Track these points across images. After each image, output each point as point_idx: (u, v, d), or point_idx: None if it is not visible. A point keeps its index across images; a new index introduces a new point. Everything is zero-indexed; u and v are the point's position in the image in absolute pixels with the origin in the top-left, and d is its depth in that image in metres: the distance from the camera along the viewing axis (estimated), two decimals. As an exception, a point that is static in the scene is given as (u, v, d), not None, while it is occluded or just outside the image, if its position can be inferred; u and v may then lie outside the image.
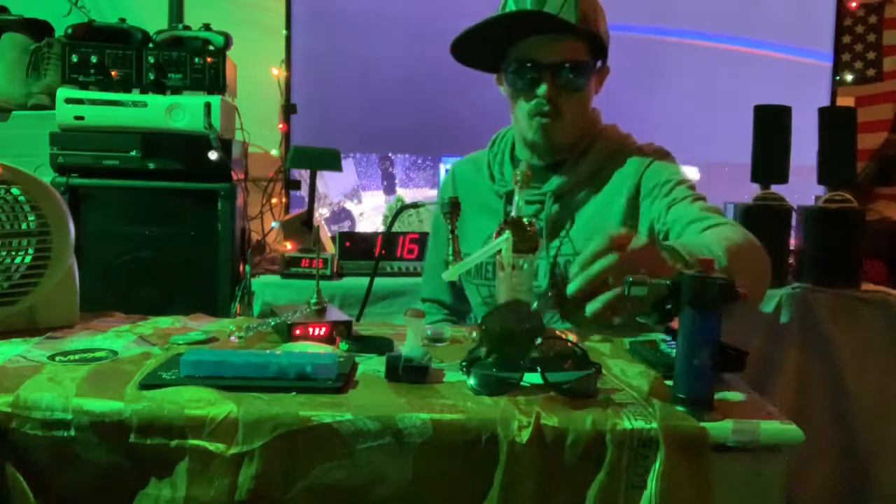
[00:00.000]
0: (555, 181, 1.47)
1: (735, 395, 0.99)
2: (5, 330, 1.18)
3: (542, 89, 1.39)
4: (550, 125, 1.42)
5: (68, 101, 2.04)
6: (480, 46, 1.43)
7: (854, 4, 2.89)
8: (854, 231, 2.17)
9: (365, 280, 1.71)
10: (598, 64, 1.47)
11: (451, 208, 1.31)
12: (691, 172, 1.53)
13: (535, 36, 1.39)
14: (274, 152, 2.66)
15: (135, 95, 2.07)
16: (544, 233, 1.46)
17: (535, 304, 1.30)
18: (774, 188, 2.20)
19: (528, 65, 1.39)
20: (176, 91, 2.10)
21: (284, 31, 2.66)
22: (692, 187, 1.43)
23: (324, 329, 1.18)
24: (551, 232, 1.46)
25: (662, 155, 1.49)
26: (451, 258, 1.29)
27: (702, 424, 0.86)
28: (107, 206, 2.07)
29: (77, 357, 1.05)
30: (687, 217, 1.34)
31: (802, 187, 2.37)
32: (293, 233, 2.35)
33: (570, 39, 1.38)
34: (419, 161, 2.82)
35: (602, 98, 1.53)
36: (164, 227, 2.08)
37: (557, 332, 1.13)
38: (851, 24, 2.91)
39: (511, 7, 1.38)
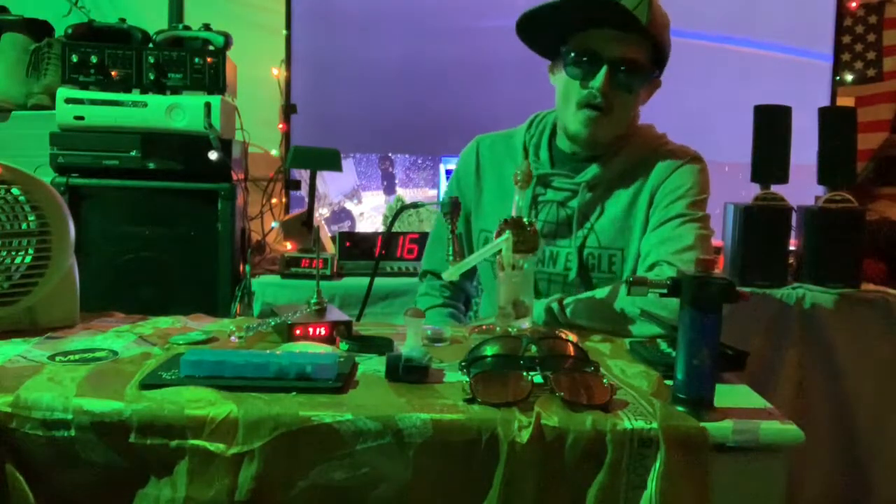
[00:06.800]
0: (590, 172, 1.47)
1: (735, 395, 0.99)
2: (5, 330, 1.18)
3: (598, 81, 1.38)
4: (596, 119, 1.42)
5: (68, 101, 2.04)
6: (545, 28, 1.43)
7: (854, 4, 2.89)
8: (854, 231, 2.16)
9: (365, 280, 1.71)
10: (654, 73, 1.45)
11: (451, 208, 1.31)
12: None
13: (601, 29, 1.38)
14: (274, 152, 2.66)
15: (135, 95, 2.06)
16: (574, 220, 1.46)
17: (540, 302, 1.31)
18: (774, 188, 2.20)
19: (589, 55, 1.39)
20: (176, 91, 2.09)
21: (284, 31, 2.66)
22: (697, 204, 1.43)
23: (324, 329, 1.18)
24: (580, 221, 1.47)
25: (689, 161, 1.47)
26: (450, 258, 1.28)
27: (702, 424, 0.86)
28: (107, 206, 2.07)
29: (77, 357, 1.06)
30: (659, 237, 1.40)
31: (802, 187, 2.37)
32: (293, 233, 2.35)
33: (634, 39, 1.38)
34: (419, 161, 2.82)
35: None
36: (164, 227, 2.08)
37: (558, 332, 1.13)
38: (851, 24, 2.91)
39: None
